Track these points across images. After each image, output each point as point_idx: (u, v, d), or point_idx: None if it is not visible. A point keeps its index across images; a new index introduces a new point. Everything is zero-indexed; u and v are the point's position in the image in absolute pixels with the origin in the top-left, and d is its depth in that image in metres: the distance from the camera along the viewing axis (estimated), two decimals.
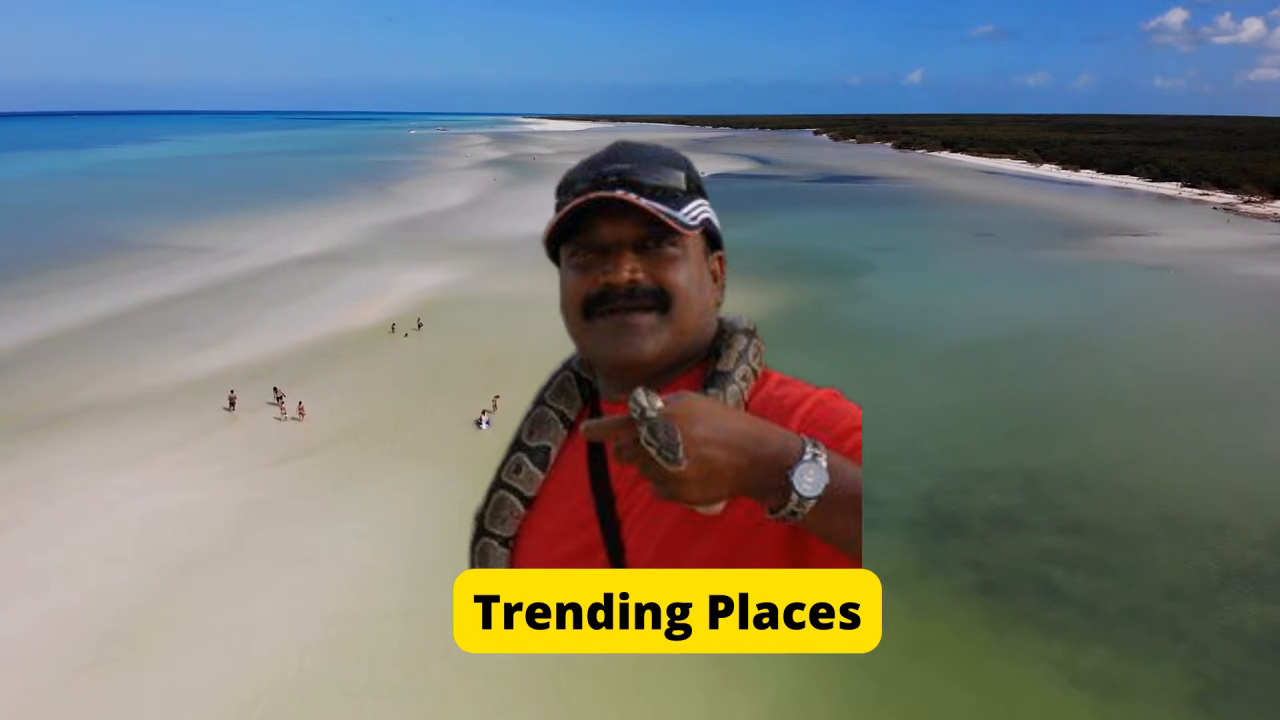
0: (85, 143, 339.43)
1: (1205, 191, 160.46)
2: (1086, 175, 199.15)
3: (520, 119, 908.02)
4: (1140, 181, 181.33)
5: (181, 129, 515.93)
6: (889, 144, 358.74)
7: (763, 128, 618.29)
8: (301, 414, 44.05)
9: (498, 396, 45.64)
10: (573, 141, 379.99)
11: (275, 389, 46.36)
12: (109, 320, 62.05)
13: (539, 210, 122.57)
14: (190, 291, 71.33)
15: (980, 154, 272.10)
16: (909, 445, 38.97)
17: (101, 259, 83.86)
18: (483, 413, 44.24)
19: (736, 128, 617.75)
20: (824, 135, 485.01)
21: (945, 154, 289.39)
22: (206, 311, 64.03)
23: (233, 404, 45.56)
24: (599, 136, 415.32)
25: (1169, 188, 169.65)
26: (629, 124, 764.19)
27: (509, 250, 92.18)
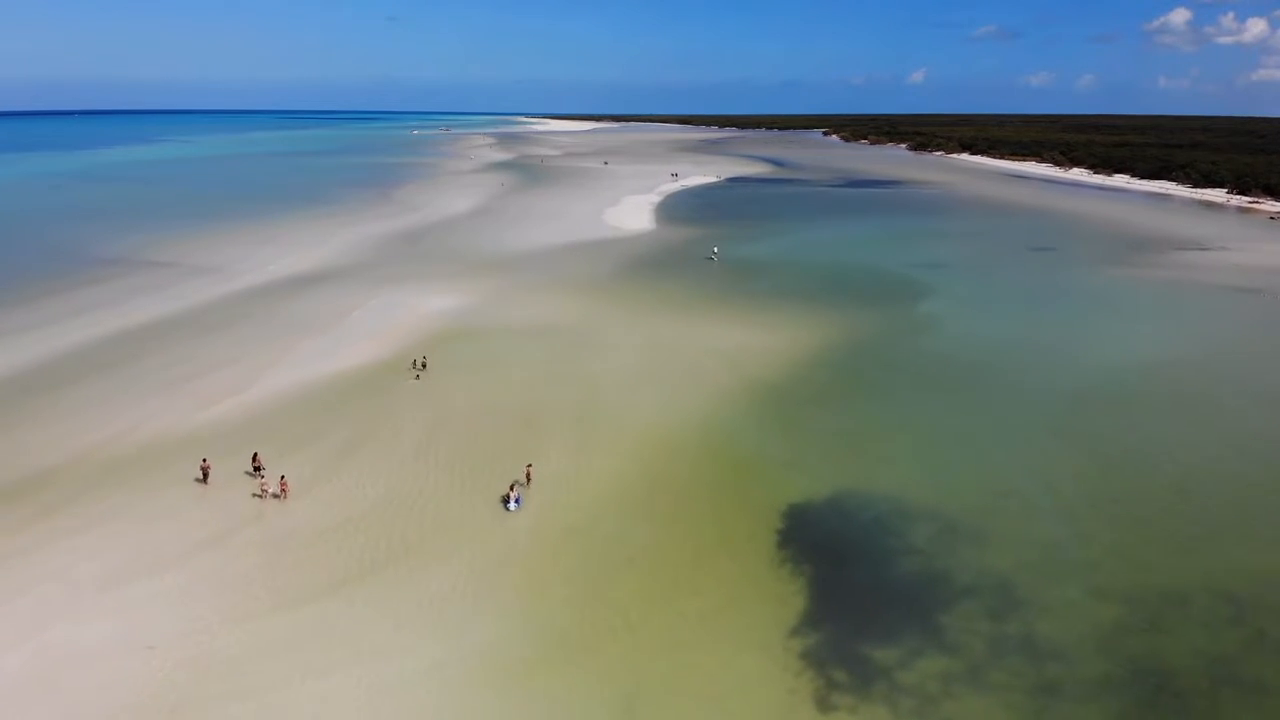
0: (83, 143, 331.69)
1: (1255, 199, 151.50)
2: (1121, 180, 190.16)
3: (524, 118, 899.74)
4: (1180, 187, 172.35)
5: (181, 129, 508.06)
6: (903, 145, 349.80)
7: (769, 128, 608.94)
8: (284, 491, 35.59)
9: (530, 466, 37.28)
10: (579, 142, 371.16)
11: (254, 457, 37.89)
12: (78, 356, 53.56)
13: (551, 217, 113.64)
14: (172, 320, 62.83)
15: (1002, 156, 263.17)
16: (1061, 553, 30.39)
17: (82, 281, 74.78)
18: (511, 488, 35.75)
19: (743, 127, 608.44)
20: (834, 136, 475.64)
21: (965, 156, 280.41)
22: (186, 348, 55.39)
23: (205, 475, 37.14)
24: (604, 137, 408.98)
25: (1214, 194, 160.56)
26: (634, 123, 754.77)
27: (523, 266, 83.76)
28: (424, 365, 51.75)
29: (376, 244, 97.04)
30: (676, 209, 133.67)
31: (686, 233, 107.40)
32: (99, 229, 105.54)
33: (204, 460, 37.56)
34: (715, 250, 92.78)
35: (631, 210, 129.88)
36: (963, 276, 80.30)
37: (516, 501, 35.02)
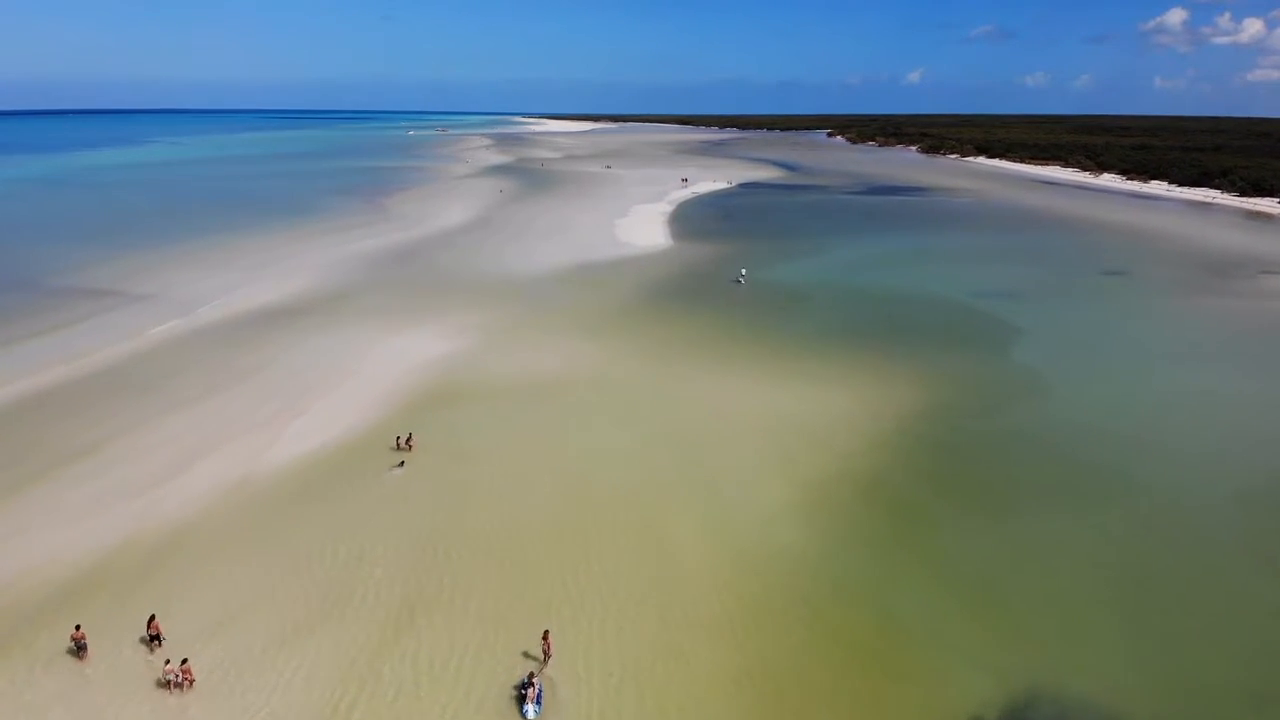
0: (66, 145, 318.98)
1: None
2: (1158, 187, 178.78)
3: (521, 118, 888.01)
4: (1224, 195, 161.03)
5: (172, 129, 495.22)
6: (913, 147, 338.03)
7: (771, 128, 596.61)
8: (188, 681, 24.17)
9: (548, 633, 25.83)
10: (579, 144, 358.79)
11: (151, 622, 26.40)
12: None
13: (556, 231, 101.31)
14: (99, 377, 51.40)
15: (1021, 160, 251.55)
16: None
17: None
18: (531, 677, 24.40)
19: (744, 128, 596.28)
20: (839, 137, 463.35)
21: (981, 159, 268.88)
22: (103, 432, 43.88)
23: (80, 649, 25.71)
24: (604, 138, 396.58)
25: (1265, 204, 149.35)
26: (633, 124, 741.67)
27: (526, 294, 72.23)
28: (409, 443, 40.35)
29: (360, 265, 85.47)
30: (691, 221, 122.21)
31: (707, 250, 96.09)
32: (46, 247, 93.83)
33: (77, 628, 26.09)
34: (743, 272, 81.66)
35: (643, 222, 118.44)
36: (1042, 310, 68.79)
37: (537, 703, 23.64)
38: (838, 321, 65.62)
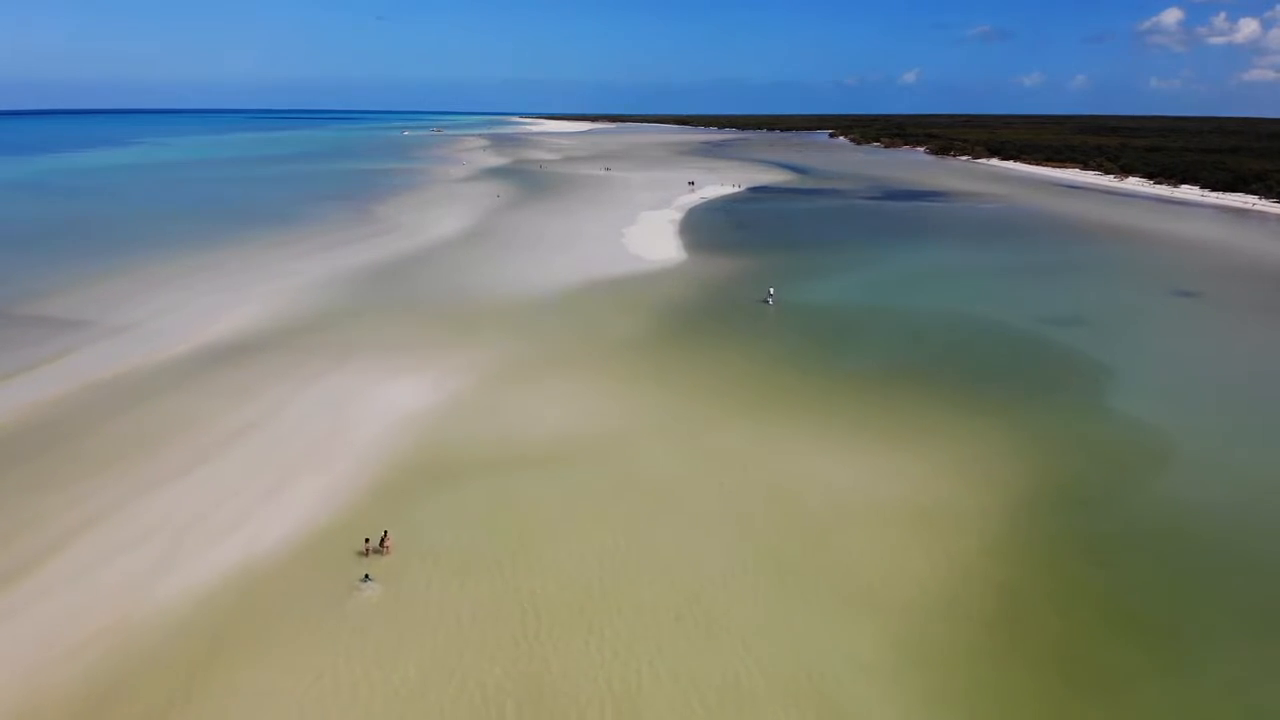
0: (50, 146, 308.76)
1: None
2: (1190, 192, 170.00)
3: (517, 118, 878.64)
4: (1264, 202, 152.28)
5: (161, 129, 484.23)
6: (920, 149, 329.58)
7: (770, 128, 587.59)
8: None
9: None
10: (577, 145, 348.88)
11: None
12: None
13: (560, 241, 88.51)
14: (29, 438, 42.33)
15: (1037, 162, 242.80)
16: None
17: None
18: None
19: (743, 128, 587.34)
20: (841, 138, 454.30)
21: (994, 161, 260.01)
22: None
23: None
24: (602, 139, 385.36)
25: None
26: (630, 124, 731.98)
27: (529, 322, 62.87)
28: (383, 545, 31.26)
29: (343, 284, 76.29)
30: (704, 230, 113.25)
31: (725, 265, 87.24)
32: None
33: None
34: (771, 292, 72.96)
35: (653, 232, 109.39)
36: (1123, 341, 59.83)
37: None
38: (892, 357, 56.62)
